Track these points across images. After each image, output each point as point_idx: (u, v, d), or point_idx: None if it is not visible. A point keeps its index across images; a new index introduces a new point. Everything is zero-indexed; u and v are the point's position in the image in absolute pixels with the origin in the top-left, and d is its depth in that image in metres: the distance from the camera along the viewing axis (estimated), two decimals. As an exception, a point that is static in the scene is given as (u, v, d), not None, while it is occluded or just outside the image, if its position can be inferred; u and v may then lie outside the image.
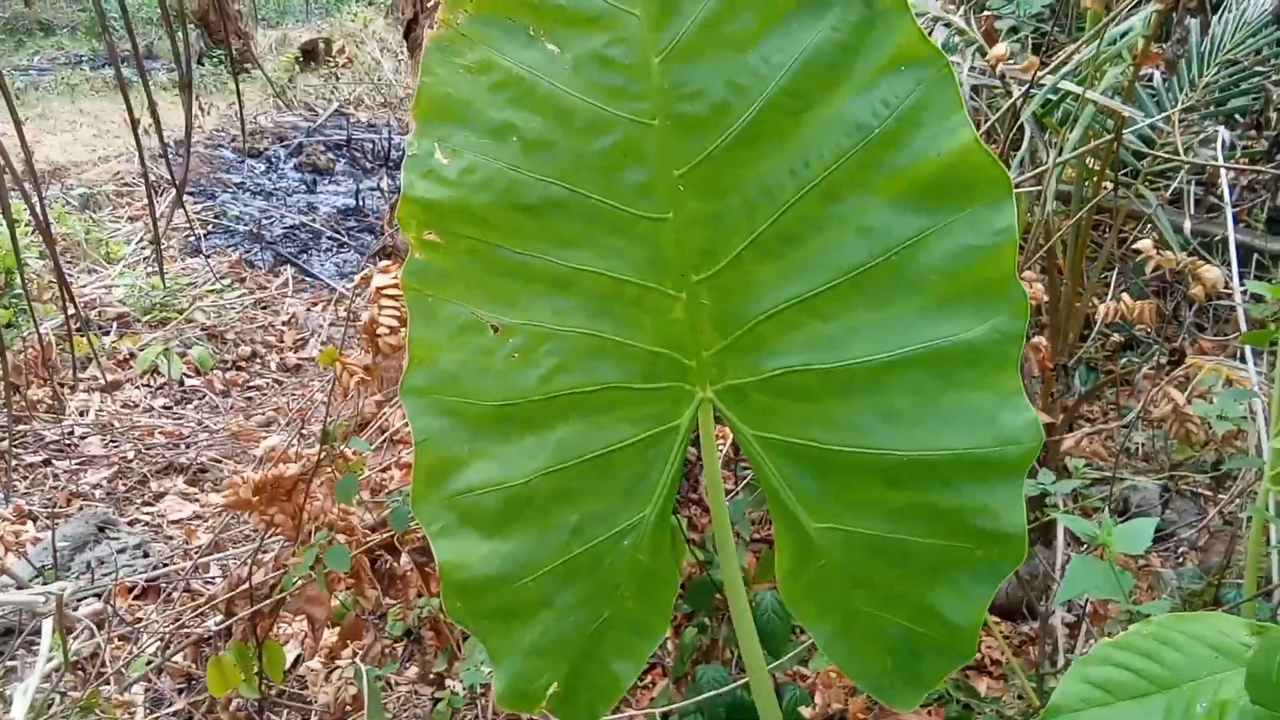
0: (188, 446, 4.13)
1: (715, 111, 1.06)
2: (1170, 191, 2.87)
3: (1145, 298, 2.44)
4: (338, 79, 10.25)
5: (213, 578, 3.05)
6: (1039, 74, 2.24)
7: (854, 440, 1.08)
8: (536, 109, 1.07)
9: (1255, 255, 3.06)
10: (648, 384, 1.12)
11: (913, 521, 1.08)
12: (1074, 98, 2.31)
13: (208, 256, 5.96)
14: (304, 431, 3.33)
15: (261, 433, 4.13)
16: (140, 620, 2.79)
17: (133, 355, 4.78)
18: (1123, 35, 2.28)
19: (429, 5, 3.74)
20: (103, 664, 2.53)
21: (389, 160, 8.02)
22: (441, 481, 1.09)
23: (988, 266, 1.03)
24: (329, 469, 2.18)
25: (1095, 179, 2.48)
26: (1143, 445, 2.78)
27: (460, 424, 1.09)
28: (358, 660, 2.38)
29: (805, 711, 1.88)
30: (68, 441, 4.09)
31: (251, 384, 4.79)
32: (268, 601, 2.18)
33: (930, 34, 2.39)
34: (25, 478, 3.81)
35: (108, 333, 4.98)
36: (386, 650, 2.51)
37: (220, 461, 4.00)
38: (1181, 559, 2.50)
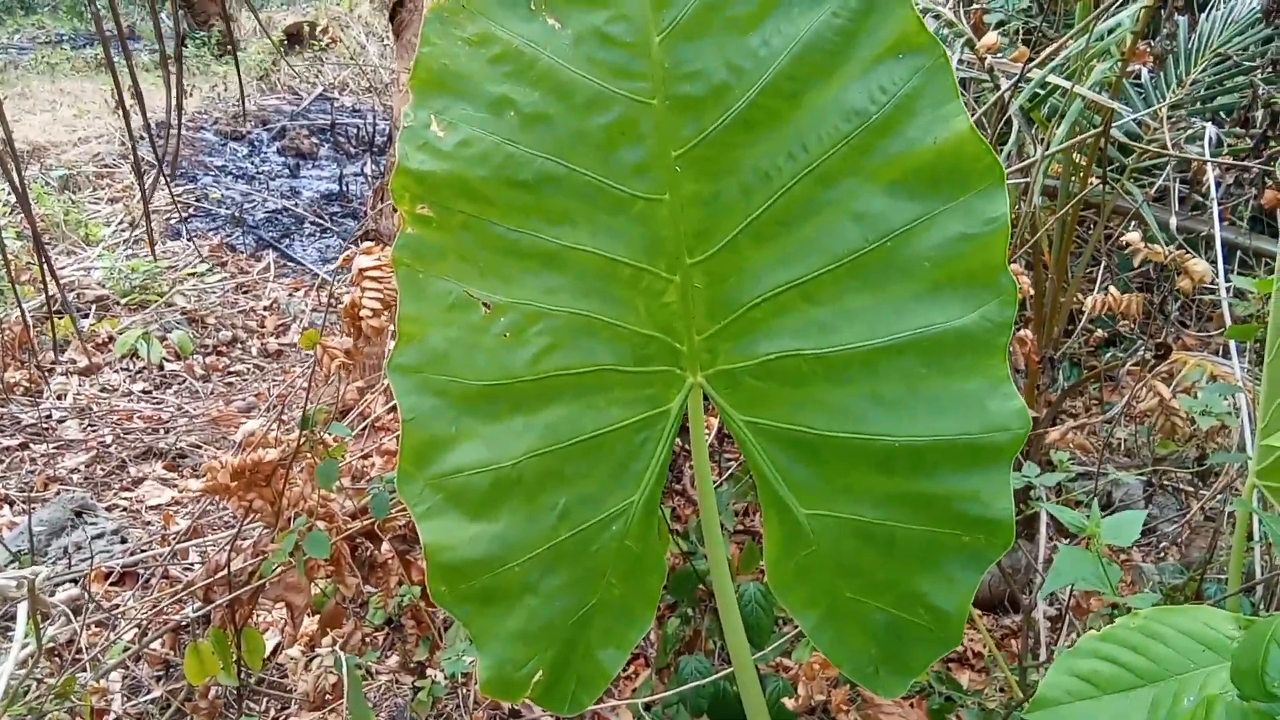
0: (167, 431, 4.09)
1: (714, 93, 1.05)
2: (1156, 188, 2.88)
3: (1130, 293, 2.45)
4: (322, 63, 10.17)
5: (191, 564, 3.02)
6: (1027, 67, 2.24)
7: (845, 426, 1.08)
8: (535, 83, 1.06)
9: (1239, 252, 3.08)
10: (639, 367, 1.11)
11: (902, 507, 1.08)
12: (1062, 92, 2.31)
13: (190, 239, 5.90)
14: (284, 417, 3.31)
15: (242, 418, 4.10)
16: (117, 606, 2.76)
17: (111, 339, 4.73)
18: (1111, 31, 2.28)
19: (416, -11, 3.71)
20: (79, 650, 2.50)
21: (373, 145, 7.97)
22: (428, 461, 1.07)
23: (979, 255, 1.03)
24: (309, 455, 2.16)
25: (1082, 174, 2.48)
26: (1125, 440, 2.79)
27: (449, 403, 1.07)
28: (338, 649, 2.37)
29: (788, 703, 1.88)
30: (45, 425, 4.04)
31: (232, 369, 4.75)
32: (247, 588, 2.15)
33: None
34: (1, 461, 3.76)
35: (86, 315, 4.92)
36: (367, 639, 2.49)
37: (200, 447, 3.96)
38: (1163, 554, 2.51)
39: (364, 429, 2.96)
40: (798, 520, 1.12)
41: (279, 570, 2.10)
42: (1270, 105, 2.63)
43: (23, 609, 2.20)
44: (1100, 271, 3.02)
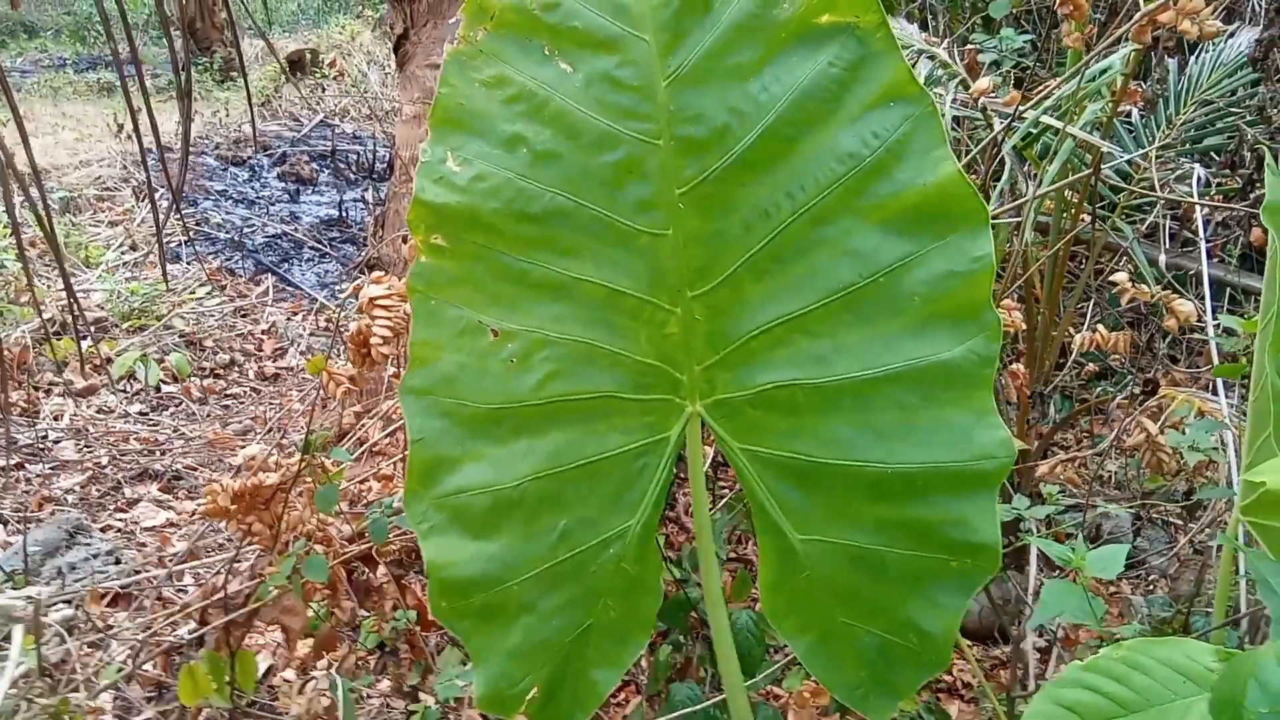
0: (163, 453, 4.10)
1: (717, 135, 1.10)
2: (1146, 226, 2.93)
3: (1120, 329, 2.49)
4: (323, 90, 10.25)
5: (185, 586, 3.02)
6: (1020, 109, 2.28)
7: (839, 454, 1.11)
8: (547, 123, 1.11)
9: (1228, 290, 3.12)
10: (640, 395, 1.15)
11: (893, 533, 1.11)
12: (1054, 132, 2.35)
13: (194, 262, 5.93)
14: (282, 442, 3.32)
15: (239, 441, 4.11)
16: (111, 627, 2.76)
17: (109, 360, 4.74)
18: (1102, 73, 2.33)
19: (419, 21, 3.76)
20: (72, 670, 2.50)
21: (373, 172, 8.02)
22: (434, 481, 1.11)
23: (965, 292, 1.08)
24: (309, 479, 2.18)
25: (1073, 211, 2.53)
26: (1115, 474, 2.82)
27: (455, 425, 1.11)
28: (333, 671, 2.37)
29: (779, 729, 1.89)
30: (41, 445, 4.05)
31: (229, 392, 4.76)
32: (242, 611, 2.17)
33: (915, 65, 2.44)
34: (-4, 481, 3.77)
35: (86, 337, 4.94)
36: (359, 662, 2.49)
37: (195, 469, 3.97)
38: (1152, 587, 2.53)
39: (362, 454, 2.98)
40: (792, 546, 1.15)
41: (276, 593, 2.11)
42: (1256, 149, 2.69)
43: (18, 629, 2.21)
44: (1091, 307, 3.06)
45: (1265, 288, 1.22)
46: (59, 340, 4.40)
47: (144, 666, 2.51)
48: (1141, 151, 2.77)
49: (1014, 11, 3.55)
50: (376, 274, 1.77)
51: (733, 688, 1.24)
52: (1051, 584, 1.48)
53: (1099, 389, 3.12)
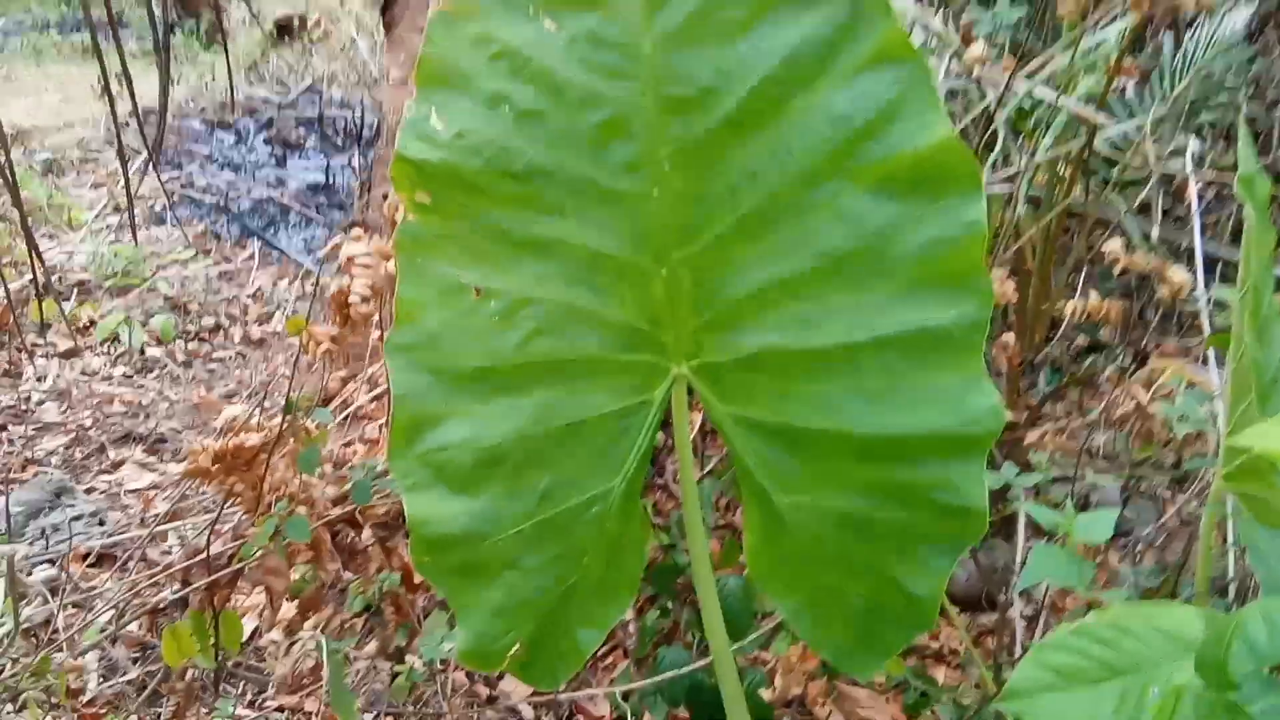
0: (147, 416, 4.08)
1: (703, 95, 1.07)
2: (1140, 199, 2.91)
3: (1112, 297, 2.48)
4: (311, 55, 10.13)
5: (170, 547, 3.02)
6: (1013, 77, 2.27)
7: (828, 418, 1.10)
8: (530, 81, 1.08)
9: (1220, 264, 3.12)
10: (623, 355, 1.14)
11: (881, 496, 1.11)
12: (1048, 104, 2.34)
13: (176, 224, 5.88)
14: (266, 404, 3.31)
15: (223, 404, 4.09)
16: (95, 588, 2.75)
17: (93, 322, 4.71)
18: (1097, 46, 2.31)
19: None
20: (55, 630, 2.49)
21: (360, 138, 7.94)
22: (417, 438, 1.10)
23: (957, 257, 1.06)
24: (291, 440, 2.17)
25: (1066, 184, 2.51)
26: (1104, 445, 2.82)
27: (439, 382, 1.10)
28: (318, 633, 2.37)
29: (765, 694, 1.90)
30: (24, 407, 4.02)
31: (214, 355, 4.74)
32: (226, 571, 2.16)
33: (909, 36, 2.41)
34: (-21, 442, 3.75)
35: (68, 299, 4.90)
36: (345, 624, 2.50)
37: (180, 432, 3.95)
38: (1140, 557, 2.54)
39: (346, 417, 2.97)
40: (779, 510, 1.14)
41: (259, 554, 2.10)
42: (1251, 124, 2.67)
43: (-1, 587, 2.20)
44: (1082, 279, 3.05)
45: (1243, 258, 1.21)
46: (41, 302, 4.36)
47: (128, 627, 2.51)
48: (1135, 124, 2.75)
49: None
50: (355, 232, 1.75)
51: (718, 652, 1.24)
52: (1039, 547, 1.49)
53: (1089, 360, 3.12)
